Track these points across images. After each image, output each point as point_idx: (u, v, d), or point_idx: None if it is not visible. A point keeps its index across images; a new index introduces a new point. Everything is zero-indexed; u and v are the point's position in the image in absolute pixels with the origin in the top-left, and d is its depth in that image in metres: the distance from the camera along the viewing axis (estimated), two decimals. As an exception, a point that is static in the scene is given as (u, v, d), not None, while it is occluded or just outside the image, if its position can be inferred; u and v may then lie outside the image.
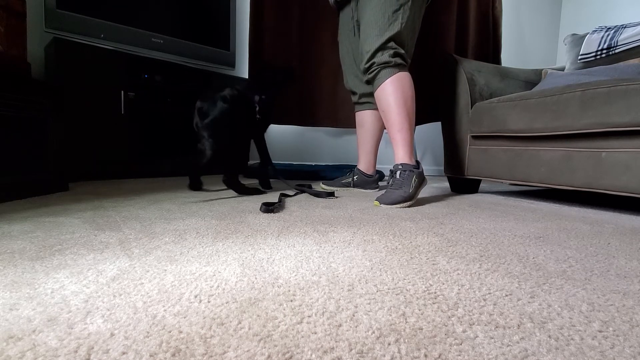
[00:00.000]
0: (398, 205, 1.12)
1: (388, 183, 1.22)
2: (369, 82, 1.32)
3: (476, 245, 0.68)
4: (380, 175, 1.73)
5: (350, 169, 1.65)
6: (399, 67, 1.24)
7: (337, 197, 1.29)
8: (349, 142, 2.68)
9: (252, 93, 1.43)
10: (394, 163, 1.24)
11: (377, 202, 1.14)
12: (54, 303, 0.39)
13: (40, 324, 0.34)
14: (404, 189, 1.15)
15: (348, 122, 2.10)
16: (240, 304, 0.40)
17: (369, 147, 1.58)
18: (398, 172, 1.19)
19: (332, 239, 0.70)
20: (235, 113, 1.25)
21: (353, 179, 1.59)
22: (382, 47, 1.23)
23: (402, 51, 1.25)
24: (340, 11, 1.52)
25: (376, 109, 1.51)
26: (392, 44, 1.24)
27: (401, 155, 1.23)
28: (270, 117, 1.51)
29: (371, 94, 1.50)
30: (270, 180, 1.52)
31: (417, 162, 1.23)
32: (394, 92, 1.23)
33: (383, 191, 1.21)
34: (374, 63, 1.25)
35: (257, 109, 1.38)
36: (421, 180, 1.22)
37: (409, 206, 1.14)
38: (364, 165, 1.59)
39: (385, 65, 1.23)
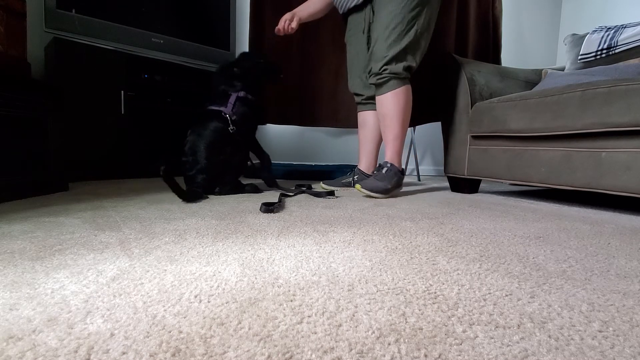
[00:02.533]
0: (375, 194, 1.29)
1: (373, 173, 1.38)
2: (376, 85, 1.38)
3: (476, 245, 0.68)
4: None
5: (351, 168, 1.67)
6: (405, 80, 1.36)
7: (337, 197, 1.29)
8: (349, 142, 2.68)
9: (231, 87, 1.37)
10: (385, 159, 1.38)
11: (358, 186, 1.31)
12: (54, 303, 0.39)
13: (40, 324, 0.34)
14: (384, 182, 1.31)
15: (348, 122, 2.10)
16: (240, 304, 0.40)
17: (370, 147, 1.59)
18: (385, 169, 1.34)
19: (332, 239, 0.70)
20: (219, 142, 1.28)
21: (354, 178, 1.60)
22: (397, 57, 1.31)
23: (414, 64, 1.36)
24: (349, 16, 1.53)
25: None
26: (407, 56, 1.33)
27: (391, 158, 1.37)
28: (254, 120, 1.42)
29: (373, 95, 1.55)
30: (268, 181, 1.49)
31: (402, 170, 1.38)
32: (397, 102, 1.34)
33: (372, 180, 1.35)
34: (386, 69, 1.32)
35: (230, 122, 1.31)
36: (399, 184, 1.37)
37: (383, 198, 1.30)
38: (364, 165, 1.60)
39: (396, 76, 1.33)
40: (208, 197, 1.21)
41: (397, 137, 1.37)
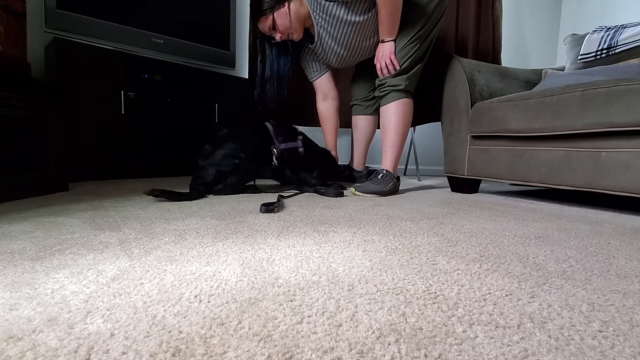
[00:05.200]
0: (369, 195, 1.33)
1: (369, 178, 1.44)
2: (379, 97, 1.49)
3: (476, 245, 0.68)
4: (369, 171, 1.78)
5: (344, 165, 1.85)
6: (406, 93, 1.43)
7: (345, 196, 1.31)
8: (349, 142, 2.68)
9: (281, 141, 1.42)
10: (380, 167, 1.46)
11: (353, 189, 1.36)
12: (54, 303, 0.39)
13: (40, 324, 0.34)
14: (380, 186, 1.36)
15: (348, 122, 2.10)
16: (240, 304, 0.40)
17: (360, 148, 1.78)
18: (381, 175, 1.40)
19: (332, 239, 0.70)
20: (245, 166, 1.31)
21: (345, 174, 1.79)
22: (397, 72, 1.41)
23: (414, 79, 1.44)
24: None
25: (368, 114, 1.72)
26: (407, 71, 1.42)
27: (388, 166, 1.44)
28: (297, 164, 1.46)
29: (367, 99, 1.70)
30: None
31: (397, 177, 1.44)
32: (396, 114, 1.43)
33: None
34: (385, 83, 1.43)
35: (275, 157, 1.38)
36: (395, 190, 1.42)
37: (377, 197, 1.33)
38: (355, 162, 1.80)
39: (395, 88, 1.42)
40: (207, 197, 1.21)
41: (394, 145, 1.44)
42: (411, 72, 1.42)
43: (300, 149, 1.45)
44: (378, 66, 1.44)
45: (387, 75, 1.43)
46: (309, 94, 2.07)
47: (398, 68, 1.40)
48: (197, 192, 1.19)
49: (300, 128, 2.51)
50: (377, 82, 1.47)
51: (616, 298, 0.44)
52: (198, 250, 0.60)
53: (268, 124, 1.43)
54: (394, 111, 1.42)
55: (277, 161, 1.38)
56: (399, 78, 1.41)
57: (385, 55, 1.40)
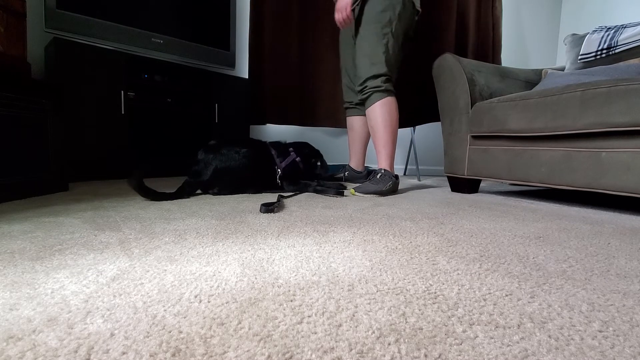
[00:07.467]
0: (369, 195, 1.33)
1: (368, 178, 1.45)
2: (363, 100, 1.51)
3: (476, 245, 0.68)
4: (369, 172, 1.78)
5: (343, 166, 1.87)
6: (388, 92, 1.46)
7: (345, 196, 1.31)
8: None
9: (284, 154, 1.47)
10: (377, 167, 1.47)
11: (353, 190, 1.36)
12: (54, 303, 0.39)
13: (40, 324, 0.34)
14: (379, 185, 1.36)
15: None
16: (240, 304, 0.40)
17: (358, 148, 1.80)
18: (379, 174, 1.41)
19: (332, 239, 0.70)
20: (248, 170, 1.34)
21: (344, 174, 1.80)
22: (375, 75, 1.44)
23: (391, 75, 1.46)
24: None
25: (363, 115, 1.71)
26: (384, 70, 1.44)
27: (384, 164, 1.45)
28: (300, 177, 1.50)
29: (361, 103, 1.69)
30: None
31: (396, 175, 1.44)
32: (382, 114, 1.44)
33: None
34: (366, 86, 1.46)
35: (279, 173, 1.42)
36: (394, 188, 1.42)
37: (378, 197, 1.33)
38: (354, 163, 1.82)
39: (376, 89, 1.44)
40: (197, 195, 1.22)
41: (386, 144, 1.45)
42: (390, 73, 1.45)
43: (297, 159, 1.49)
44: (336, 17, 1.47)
45: (345, 28, 1.45)
46: (310, 94, 2.07)
47: (353, 20, 1.44)
48: (179, 192, 1.19)
49: (301, 128, 2.52)
50: (357, 88, 1.50)
51: (616, 298, 0.44)
52: (198, 250, 0.60)
53: (270, 147, 1.47)
54: (379, 111, 1.44)
55: (280, 181, 1.42)
56: (378, 80, 1.44)
57: (341, 7, 1.43)
